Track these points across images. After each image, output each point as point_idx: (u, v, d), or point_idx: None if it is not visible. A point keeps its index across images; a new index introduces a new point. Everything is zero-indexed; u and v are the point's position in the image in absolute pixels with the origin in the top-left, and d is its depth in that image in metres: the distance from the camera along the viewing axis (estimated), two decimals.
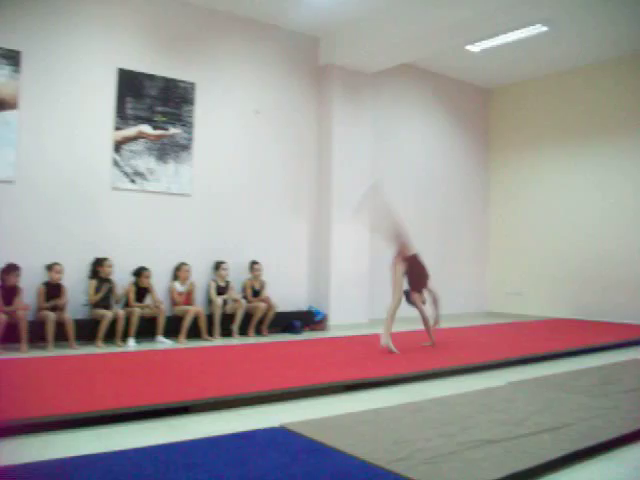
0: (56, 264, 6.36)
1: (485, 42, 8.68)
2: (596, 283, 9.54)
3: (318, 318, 8.32)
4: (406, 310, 6.39)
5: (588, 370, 5.39)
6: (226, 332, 7.33)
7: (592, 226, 9.70)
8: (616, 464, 2.97)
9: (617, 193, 9.45)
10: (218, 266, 7.56)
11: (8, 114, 6.34)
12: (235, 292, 7.62)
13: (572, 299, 9.80)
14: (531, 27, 8.07)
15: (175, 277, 7.29)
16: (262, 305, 7.51)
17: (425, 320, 6.38)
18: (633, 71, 9.34)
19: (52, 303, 6.24)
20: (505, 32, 8.17)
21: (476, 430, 3.28)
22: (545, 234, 10.17)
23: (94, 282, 6.60)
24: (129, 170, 7.10)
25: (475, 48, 8.97)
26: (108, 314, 6.37)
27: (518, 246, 10.78)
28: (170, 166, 7.40)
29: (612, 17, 8.04)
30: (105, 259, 6.69)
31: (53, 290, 6.32)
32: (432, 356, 5.85)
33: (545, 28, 8.12)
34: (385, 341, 5.96)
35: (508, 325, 9.12)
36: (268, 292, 7.86)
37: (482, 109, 11.40)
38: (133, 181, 7.13)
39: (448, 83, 10.76)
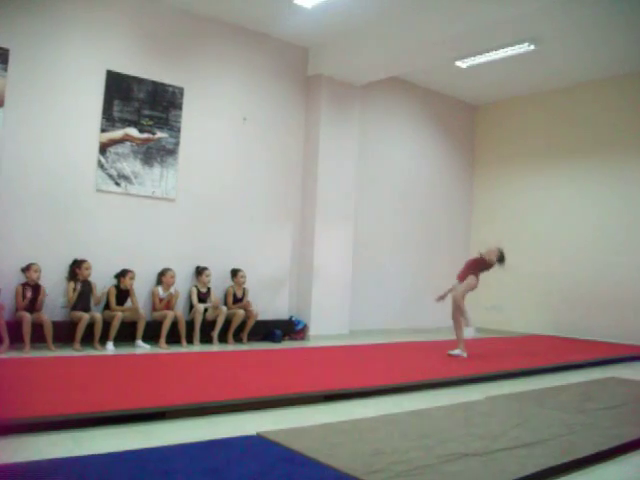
0: (33, 264, 6.27)
1: (473, 59, 8.75)
2: (578, 300, 9.60)
3: (298, 328, 8.29)
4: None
5: (567, 387, 5.42)
6: (206, 339, 7.28)
7: (574, 244, 9.78)
8: None
9: (601, 211, 9.53)
10: (200, 272, 7.51)
11: None
12: (216, 299, 7.58)
13: (553, 316, 9.86)
14: (519, 45, 8.15)
15: (159, 282, 7.24)
16: (240, 312, 7.46)
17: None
18: (619, 91, 9.46)
19: (26, 302, 6.14)
20: (493, 49, 8.25)
21: (453, 443, 3.27)
22: (527, 250, 10.21)
23: (72, 284, 6.53)
24: (114, 173, 7.05)
25: (463, 64, 9.05)
26: (86, 316, 6.30)
27: None
28: (155, 170, 7.36)
29: (599, 38, 8.14)
30: (84, 261, 6.61)
31: (32, 290, 6.24)
32: (411, 369, 5.85)
33: (532, 47, 8.20)
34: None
35: (488, 340, 9.15)
36: (250, 299, 7.83)
37: (469, 125, 11.48)
38: (118, 184, 7.08)
39: (436, 98, 10.83)
